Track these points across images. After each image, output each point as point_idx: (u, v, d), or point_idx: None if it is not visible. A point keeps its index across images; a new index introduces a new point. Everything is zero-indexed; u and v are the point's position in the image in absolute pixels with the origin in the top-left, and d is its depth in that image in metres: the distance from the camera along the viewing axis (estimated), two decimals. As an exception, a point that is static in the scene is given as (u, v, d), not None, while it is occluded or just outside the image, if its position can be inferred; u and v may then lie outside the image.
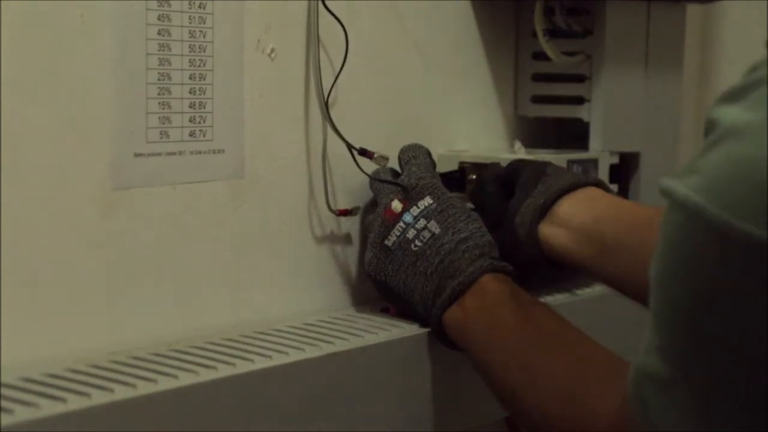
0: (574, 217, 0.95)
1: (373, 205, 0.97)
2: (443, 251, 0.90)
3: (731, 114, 0.52)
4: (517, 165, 1.02)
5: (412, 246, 0.91)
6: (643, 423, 0.60)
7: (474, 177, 1.04)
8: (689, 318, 0.54)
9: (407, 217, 0.92)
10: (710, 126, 0.53)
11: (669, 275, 0.55)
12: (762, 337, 0.51)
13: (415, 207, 0.92)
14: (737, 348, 0.53)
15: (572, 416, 0.76)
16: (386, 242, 0.93)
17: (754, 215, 0.49)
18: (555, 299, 1.03)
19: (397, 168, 0.97)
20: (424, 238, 0.91)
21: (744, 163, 0.50)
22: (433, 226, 0.92)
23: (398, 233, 0.92)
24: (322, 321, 0.93)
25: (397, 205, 0.93)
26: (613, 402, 0.68)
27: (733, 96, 0.52)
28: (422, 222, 0.92)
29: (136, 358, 0.79)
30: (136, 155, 0.82)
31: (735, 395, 0.53)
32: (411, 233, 0.92)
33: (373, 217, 0.95)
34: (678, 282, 0.54)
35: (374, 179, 0.95)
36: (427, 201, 0.93)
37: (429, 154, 0.98)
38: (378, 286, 0.95)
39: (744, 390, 0.53)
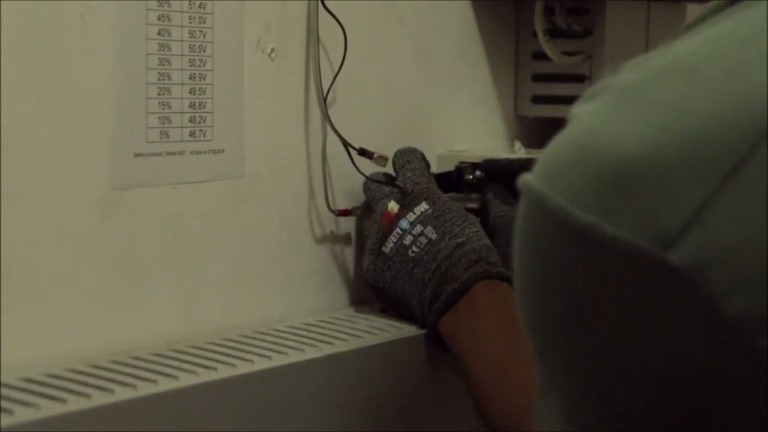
0: None
1: (367, 210, 0.97)
2: (440, 257, 0.90)
3: (579, 108, 0.50)
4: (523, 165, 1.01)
5: (410, 252, 0.91)
6: None
7: (472, 177, 1.02)
8: (537, 311, 0.49)
9: (404, 224, 0.92)
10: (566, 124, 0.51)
11: (515, 261, 0.50)
12: (600, 335, 0.46)
13: (411, 213, 0.92)
14: (578, 338, 0.48)
15: None
16: (383, 249, 0.92)
17: (591, 204, 0.45)
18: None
19: (392, 173, 0.97)
20: (421, 244, 0.91)
21: (576, 146, 0.46)
22: (430, 232, 0.91)
23: (395, 240, 0.92)
24: (321, 321, 0.92)
25: (393, 206, 0.92)
26: None
27: (588, 97, 0.50)
28: (419, 228, 0.92)
29: (136, 358, 0.79)
30: (136, 155, 0.82)
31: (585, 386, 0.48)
32: (408, 239, 0.92)
33: (369, 223, 0.95)
34: (520, 268, 0.50)
35: (371, 180, 0.95)
36: (423, 206, 0.92)
37: (423, 157, 0.97)
38: (377, 294, 0.95)
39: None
